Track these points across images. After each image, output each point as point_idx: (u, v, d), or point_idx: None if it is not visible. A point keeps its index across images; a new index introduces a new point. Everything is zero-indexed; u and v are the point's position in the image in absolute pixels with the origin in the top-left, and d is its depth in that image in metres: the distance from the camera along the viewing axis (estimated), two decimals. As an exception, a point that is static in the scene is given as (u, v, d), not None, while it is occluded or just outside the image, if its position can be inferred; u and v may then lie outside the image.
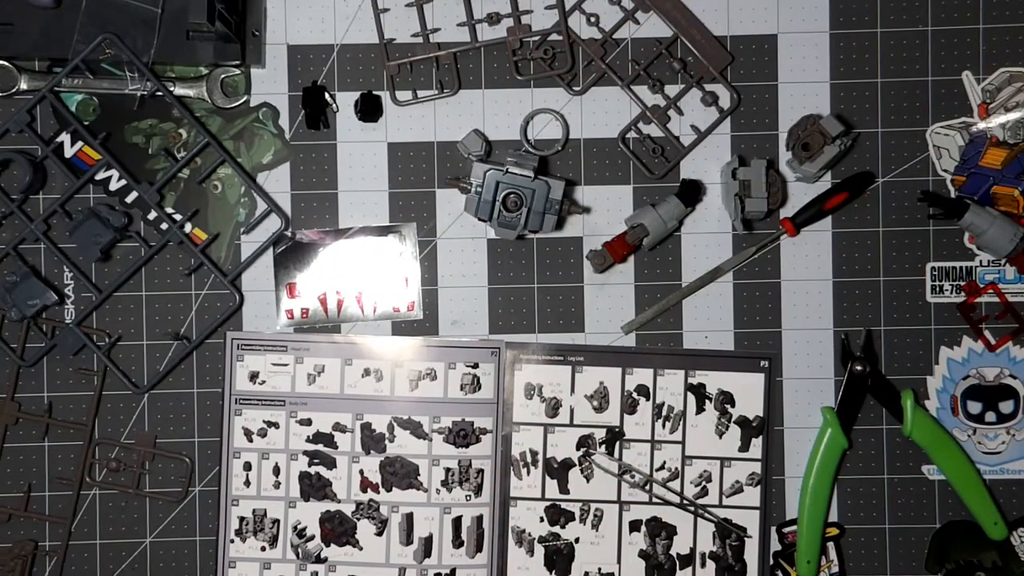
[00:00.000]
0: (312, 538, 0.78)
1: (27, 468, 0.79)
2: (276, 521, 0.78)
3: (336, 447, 0.78)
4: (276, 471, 0.78)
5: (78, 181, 0.78)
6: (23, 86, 0.78)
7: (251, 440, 0.78)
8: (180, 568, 0.79)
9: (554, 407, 0.79)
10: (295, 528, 0.78)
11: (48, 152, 0.77)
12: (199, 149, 0.78)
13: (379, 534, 0.78)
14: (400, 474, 0.78)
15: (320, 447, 0.78)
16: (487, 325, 0.79)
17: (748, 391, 0.79)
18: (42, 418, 0.78)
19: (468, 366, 0.78)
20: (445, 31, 0.79)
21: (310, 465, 0.78)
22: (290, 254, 0.79)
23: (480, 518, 0.78)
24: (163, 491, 0.79)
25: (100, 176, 0.78)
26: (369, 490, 0.78)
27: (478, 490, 0.78)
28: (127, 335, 0.79)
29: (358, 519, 0.78)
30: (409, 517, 0.78)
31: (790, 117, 0.79)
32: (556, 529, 0.79)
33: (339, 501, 0.78)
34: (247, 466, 0.78)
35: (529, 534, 0.79)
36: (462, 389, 0.78)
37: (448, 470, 0.78)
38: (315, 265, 0.79)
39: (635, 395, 0.79)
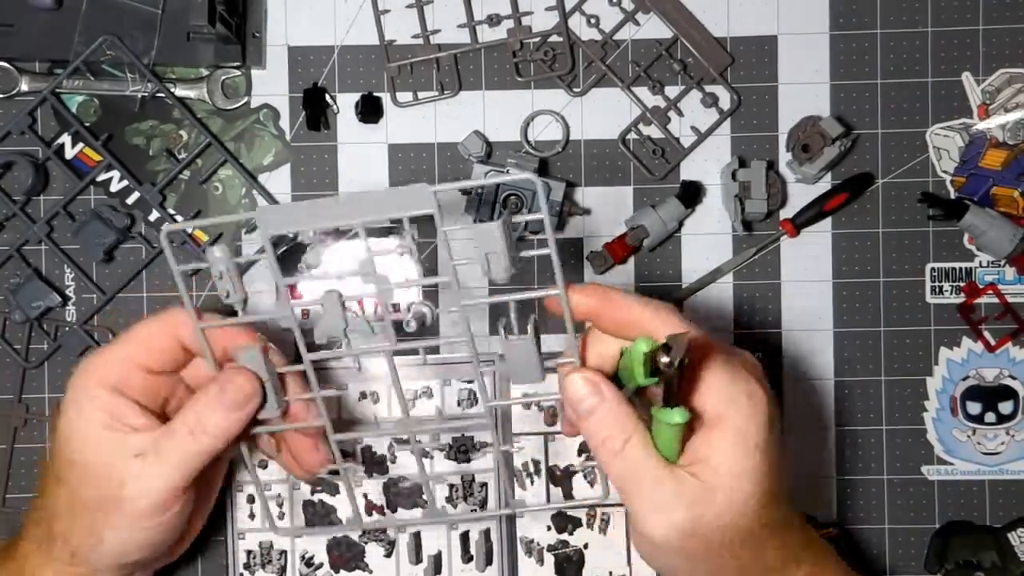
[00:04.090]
0: (320, 566, 0.78)
1: (37, 469, 0.79)
2: (283, 552, 0.78)
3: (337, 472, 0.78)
4: (280, 502, 0.78)
5: (80, 183, 0.78)
6: (24, 88, 0.78)
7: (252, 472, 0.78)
8: (179, 567, 0.79)
9: (552, 415, 0.79)
10: (303, 558, 0.78)
11: (49, 154, 0.78)
12: (201, 150, 0.78)
13: (388, 556, 0.78)
14: (404, 494, 0.78)
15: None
16: (487, 326, 0.79)
17: None
18: (50, 419, 0.79)
19: (464, 381, 0.78)
20: (445, 32, 0.79)
21: (313, 493, 0.78)
22: (291, 255, 0.79)
23: (487, 531, 0.78)
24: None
25: (101, 177, 0.79)
26: (374, 512, 0.78)
27: (483, 504, 0.78)
28: (129, 336, 0.79)
29: (366, 543, 0.78)
30: (417, 536, 0.78)
31: (790, 118, 0.79)
32: (564, 536, 0.79)
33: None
34: (250, 499, 0.78)
35: (538, 543, 0.79)
36: (459, 405, 0.78)
37: (452, 486, 0.78)
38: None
39: (633, 395, 0.79)
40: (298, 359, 0.60)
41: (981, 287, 0.79)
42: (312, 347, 0.59)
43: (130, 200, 0.79)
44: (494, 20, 0.79)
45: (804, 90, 0.79)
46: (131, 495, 0.55)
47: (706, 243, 0.80)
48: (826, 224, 0.79)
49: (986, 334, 0.80)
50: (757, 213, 0.77)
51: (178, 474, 0.56)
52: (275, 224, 0.51)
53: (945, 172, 0.79)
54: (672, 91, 0.80)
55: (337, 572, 0.78)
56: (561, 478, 0.79)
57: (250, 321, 0.58)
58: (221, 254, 0.54)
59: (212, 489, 0.67)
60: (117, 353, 0.58)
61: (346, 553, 0.78)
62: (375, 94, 0.79)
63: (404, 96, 0.79)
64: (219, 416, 0.55)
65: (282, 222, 0.51)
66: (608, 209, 0.79)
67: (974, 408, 0.80)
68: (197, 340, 0.57)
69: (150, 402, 0.58)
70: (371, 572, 0.78)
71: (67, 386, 0.57)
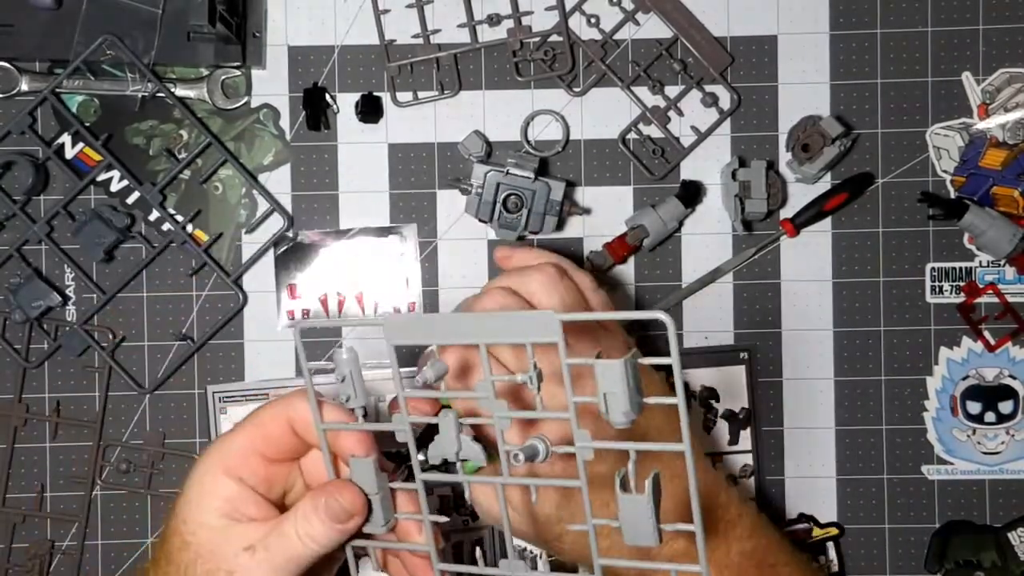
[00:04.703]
0: None
1: (37, 468, 0.79)
2: None
3: None
4: None
5: (80, 182, 0.78)
6: (24, 87, 0.78)
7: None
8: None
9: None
10: None
11: (50, 153, 0.78)
12: (201, 150, 0.78)
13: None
14: None
15: None
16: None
17: (731, 384, 0.79)
18: (51, 419, 0.79)
19: None
20: (445, 32, 0.79)
21: None
22: (291, 255, 0.79)
23: (480, 541, 0.78)
24: (174, 491, 0.78)
25: (101, 177, 0.79)
26: None
27: (474, 514, 0.77)
28: (128, 335, 0.79)
29: (358, 556, 0.77)
30: None
31: (790, 118, 0.79)
32: None
33: None
34: None
35: (531, 551, 0.78)
36: None
37: (442, 497, 0.77)
38: (316, 266, 0.79)
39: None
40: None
41: (981, 287, 0.79)
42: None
43: (130, 200, 0.79)
44: (494, 20, 0.79)
45: (804, 90, 0.79)
46: None
47: (706, 243, 0.80)
48: (826, 224, 0.79)
49: (986, 334, 0.80)
50: (757, 213, 0.77)
51: (283, 574, 0.56)
52: (399, 335, 0.50)
53: (945, 172, 0.79)
54: (672, 91, 0.80)
55: None
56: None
57: (370, 429, 0.56)
58: (347, 357, 0.53)
59: None
60: (239, 439, 0.58)
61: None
62: (375, 94, 0.79)
63: (404, 96, 0.79)
64: (324, 527, 0.56)
65: (406, 334, 0.50)
66: (608, 209, 0.79)
67: (974, 408, 0.80)
68: (316, 436, 0.57)
69: (268, 491, 0.58)
70: None
71: (192, 467, 0.58)
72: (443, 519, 0.55)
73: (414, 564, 0.59)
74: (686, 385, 0.79)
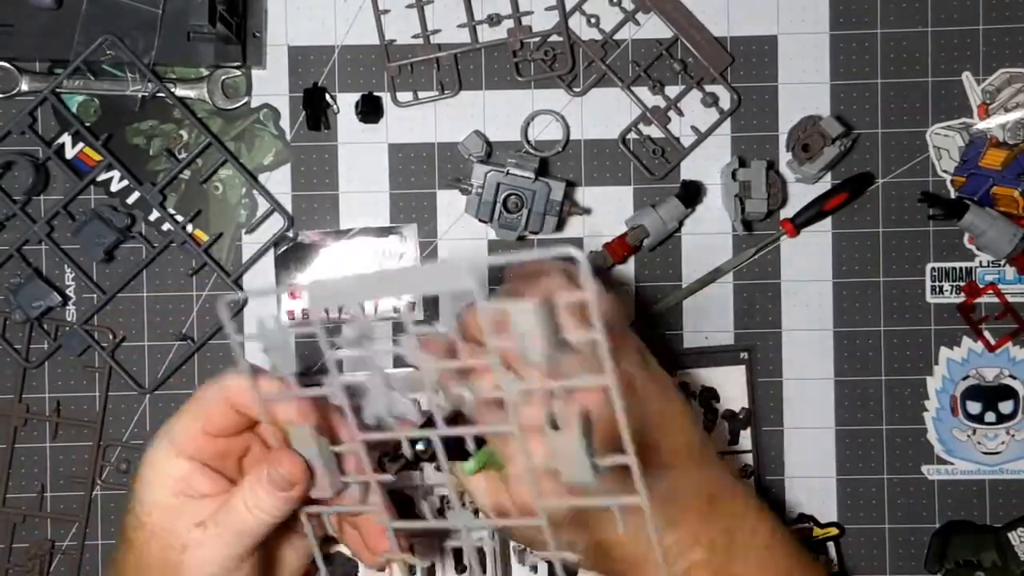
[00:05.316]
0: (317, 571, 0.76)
1: (37, 468, 0.79)
2: None
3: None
4: None
5: (80, 182, 0.78)
6: (24, 87, 0.78)
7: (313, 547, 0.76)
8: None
9: (541, 419, 0.78)
10: None
11: (50, 153, 0.78)
12: (201, 150, 0.78)
13: (381, 569, 0.77)
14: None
15: None
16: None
17: (731, 384, 0.79)
18: (51, 419, 0.79)
19: None
20: (445, 32, 0.79)
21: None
22: (291, 255, 0.79)
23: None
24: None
25: (102, 177, 0.79)
26: None
27: (475, 514, 0.76)
28: (128, 336, 0.79)
29: (329, 554, 0.77)
30: (410, 548, 0.77)
31: (790, 118, 0.79)
32: None
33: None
34: None
35: (531, 551, 0.78)
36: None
37: (443, 498, 0.77)
38: (316, 266, 0.79)
39: (621, 400, 0.78)
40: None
41: (981, 287, 0.79)
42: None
43: (130, 200, 0.79)
44: (494, 20, 0.79)
45: (804, 90, 0.79)
46: (190, 561, 0.57)
47: (706, 243, 0.79)
48: (826, 224, 0.79)
49: (986, 334, 0.80)
50: (757, 213, 0.77)
51: (235, 547, 0.58)
52: (323, 299, 0.51)
53: (945, 172, 0.79)
54: (672, 91, 0.80)
55: None
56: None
57: (310, 395, 0.55)
58: (273, 327, 0.53)
59: (285, 563, 0.66)
60: (183, 419, 0.59)
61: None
62: (375, 94, 0.79)
63: (404, 96, 0.79)
64: (269, 497, 0.57)
65: (330, 297, 0.51)
66: (608, 209, 0.79)
67: (974, 408, 0.80)
68: (255, 412, 0.58)
69: (222, 465, 0.60)
70: None
71: (144, 451, 0.59)
72: (389, 478, 0.56)
73: (369, 531, 0.60)
74: (686, 385, 0.79)
